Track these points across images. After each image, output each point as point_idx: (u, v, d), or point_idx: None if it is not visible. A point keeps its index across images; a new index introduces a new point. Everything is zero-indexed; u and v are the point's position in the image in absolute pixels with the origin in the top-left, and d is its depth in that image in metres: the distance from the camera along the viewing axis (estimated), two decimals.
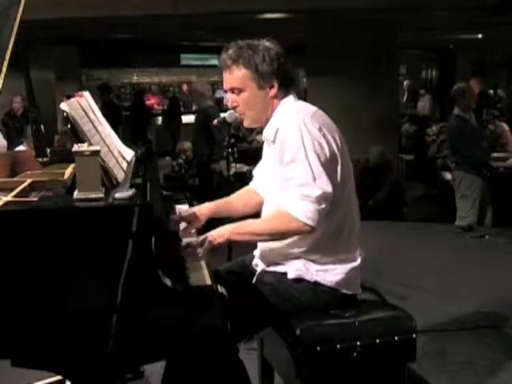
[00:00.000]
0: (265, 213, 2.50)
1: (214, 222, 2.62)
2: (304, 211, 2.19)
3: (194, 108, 11.86)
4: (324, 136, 2.27)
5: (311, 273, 2.36)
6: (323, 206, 2.21)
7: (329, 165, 2.26)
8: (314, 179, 2.21)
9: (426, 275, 5.06)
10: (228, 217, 2.68)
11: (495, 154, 7.21)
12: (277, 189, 2.36)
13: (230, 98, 2.43)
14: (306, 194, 2.19)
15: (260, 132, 2.51)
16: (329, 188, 2.22)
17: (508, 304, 4.40)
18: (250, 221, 2.39)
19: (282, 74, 2.36)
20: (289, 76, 2.40)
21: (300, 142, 2.23)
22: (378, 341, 2.32)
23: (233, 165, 4.37)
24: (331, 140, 2.29)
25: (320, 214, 2.21)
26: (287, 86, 2.39)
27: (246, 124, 2.47)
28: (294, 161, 2.24)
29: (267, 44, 2.37)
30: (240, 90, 2.37)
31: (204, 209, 2.63)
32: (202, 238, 2.31)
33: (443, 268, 5.30)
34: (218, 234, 2.30)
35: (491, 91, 15.56)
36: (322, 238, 2.32)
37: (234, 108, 2.44)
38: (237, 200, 2.71)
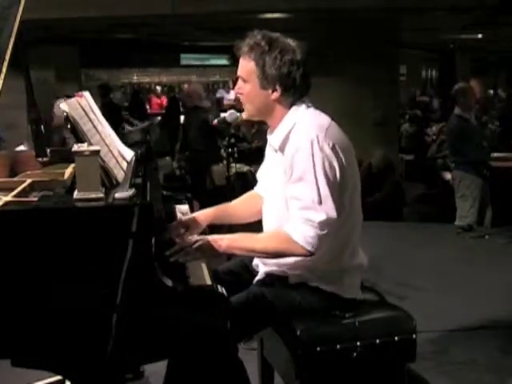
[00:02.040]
0: (266, 224, 2.46)
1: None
2: (305, 236, 2.15)
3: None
4: (336, 156, 2.20)
5: (312, 278, 2.34)
6: (325, 231, 2.15)
7: (337, 186, 2.19)
8: (320, 203, 2.15)
9: (425, 275, 5.06)
10: (229, 223, 2.66)
11: (495, 154, 7.21)
12: (281, 203, 2.30)
13: (237, 84, 2.38)
14: (309, 218, 2.14)
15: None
16: (333, 213, 2.16)
17: (508, 304, 4.40)
18: (250, 235, 2.30)
19: (290, 81, 2.26)
20: (298, 84, 2.28)
21: (310, 160, 2.16)
22: (378, 341, 2.32)
23: (233, 165, 4.36)
24: (343, 158, 2.22)
25: (320, 239, 2.15)
26: (296, 93, 2.30)
27: (244, 115, 2.45)
28: (301, 179, 2.17)
29: (291, 45, 2.28)
30: (244, 81, 2.33)
31: (202, 215, 2.57)
32: (196, 238, 2.28)
33: (443, 268, 5.30)
34: (211, 245, 2.24)
35: (491, 91, 15.56)
36: (327, 253, 2.28)
37: (237, 94, 2.40)
38: (240, 205, 2.66)
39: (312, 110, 2.33)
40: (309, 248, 2.16)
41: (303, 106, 2.32)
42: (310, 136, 2.18)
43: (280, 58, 2.25)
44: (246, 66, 2.30)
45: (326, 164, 2.17)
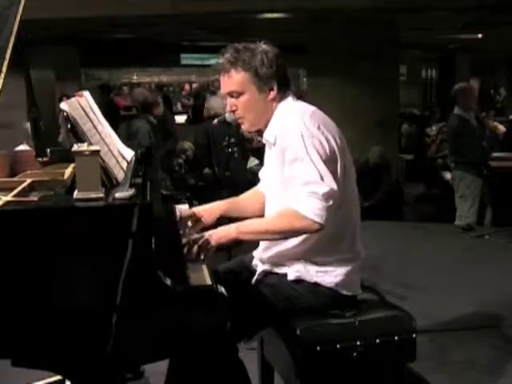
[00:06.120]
0: (268, 214, 2.48)
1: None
2: (312, 208, 2.17)
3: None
4: (323, 134, 2.26)
5: (311, 274, 2.35)
6: (330, 203, 2.19)
7: (330, 163, 2.25)
8: (321, 177, 2.19)
9: (426, 275, 5.06)
10: (237, 216, 2.68)
11: (495, 154, 7.21)
12: (279, 190, 2.34)
13: (228, 102, 2.41)
14: (312, 191, 2.18)
15: (260, 134, 2.49)
16: (335, 186, 2.21)
17: (508, 304, 4.40)
18: (257, 220, 2.39)
19: (281, 75, 2.36)
20: (286, 77, 2.39)
21: (301, 140, 2.22)
22: (377, 341, 2.32)
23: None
24: (331, 138, 2.28)
25: (328, 211, 2.18)
26: (285, 87, 2.39)
27: (244, 128, 2.46)
28: (296, 159, 2.22)
29: (264, 47, 2.36)
30: (239, 94, 2.35)
31: (216, 206, 2.63)
32: (200, 236, 2.31)
33: (443, 268, 5.31)
34: (222, 234, 2.30)
35: (492, 91, 15.55)
36: (324, 239, 2.31)
37: (232, 112, 2.41)
38: (245, 200, 2.70)
39: (299, 102, 2.42)
40: (318, 220, 2.17)
41: (290, 99, 2.40)
42: (296, 121, 2.26)
43: (266, 58, 2.32)
44: (237, 78, 2.33)
45: (316, 143, 2.23)
